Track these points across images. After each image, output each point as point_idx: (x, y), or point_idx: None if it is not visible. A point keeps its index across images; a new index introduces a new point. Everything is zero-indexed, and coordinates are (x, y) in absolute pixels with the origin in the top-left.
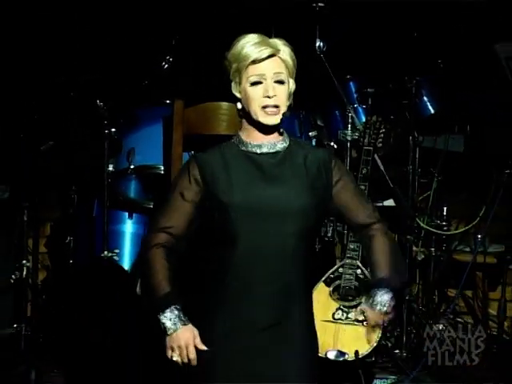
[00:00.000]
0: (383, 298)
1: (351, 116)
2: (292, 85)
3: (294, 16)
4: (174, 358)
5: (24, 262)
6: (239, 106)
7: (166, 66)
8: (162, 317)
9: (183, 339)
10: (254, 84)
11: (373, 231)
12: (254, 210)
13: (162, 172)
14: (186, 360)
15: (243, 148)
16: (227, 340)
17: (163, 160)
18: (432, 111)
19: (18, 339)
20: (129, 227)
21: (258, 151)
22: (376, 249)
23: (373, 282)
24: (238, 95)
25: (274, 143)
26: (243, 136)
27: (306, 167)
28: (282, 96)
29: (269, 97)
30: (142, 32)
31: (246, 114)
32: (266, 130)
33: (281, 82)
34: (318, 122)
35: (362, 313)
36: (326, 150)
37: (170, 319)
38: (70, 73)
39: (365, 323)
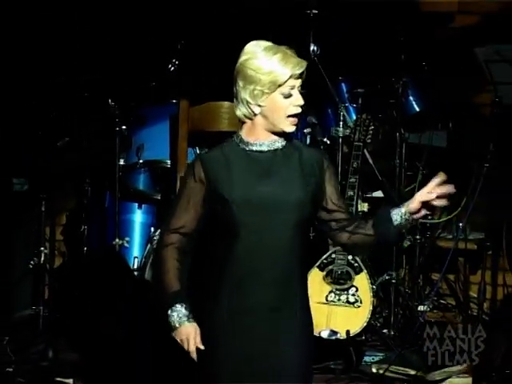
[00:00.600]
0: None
1: (343, 114)
2: None
3: (290, 22)
4: (185, 345)
5: (42, 248)
6: (257, 110)
7: (172, 68)
8: (170, 312)
9: (185, 334)
10: (287, 97)
11: (362, 222)
12: (253, 204)
13: (169, 166)
14: (186, 351)
15: (243, 146)
16: (231, 321)
17: (170, 155)
18: (417, 109)
19: (36, 320)
20: (138, 217)
21: (258, 149)
22: (363, 222)
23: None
24: (258, 102)
25: (272, 142)
26: (244, 135)
27: (301, 165)
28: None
29: (299, 107)
30: (151, 38)
31: (260, 119)
32: (269, 133)
33: (301, 94)
34: (313, 120)
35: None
36: (320, 151)
37: (177, 315)
38: (84, 74)
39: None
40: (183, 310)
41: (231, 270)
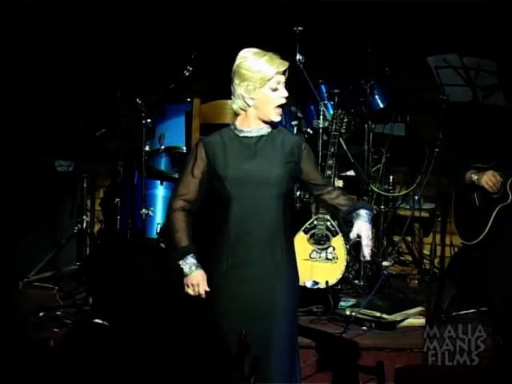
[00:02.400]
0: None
1: (322, 110)
2: None
3: (281, 37)
4: (190, 292)
5: (84, 217)
6: (250, 103)
7: (187, 73)
8: (181, 263)
9: (195, 280)
10: (274, 90)
11: (328, 188)
12: (243, 180)
13: (185, 151)
14: (197, 293)
15: (237, 133)
16: (231, 271)
17: (185, 142)
18: (381, 106)
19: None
20: (160, 191)
21: (248, 135)
22: (334, 196)
23: (346, 212)
24: (252, 96)
25: (260, 129)
26: (238, 124)
27: (283, 147)
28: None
29: (283, 98)
30: (171, 50)
31: (253, 110)
32: (260, 122)
33: (286, 89)
34: (298, 114)
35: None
36: (300, 136)
37: (188, 265)
38: (117, 78)
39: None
40: (193, 260)
41: (228, 231)
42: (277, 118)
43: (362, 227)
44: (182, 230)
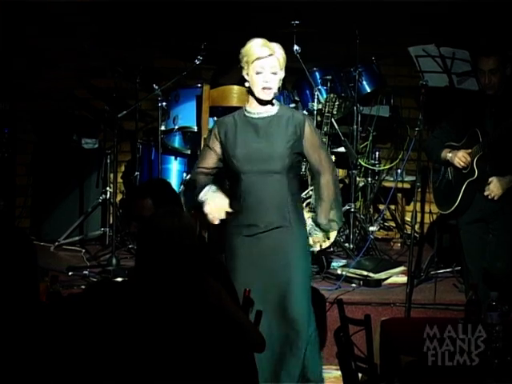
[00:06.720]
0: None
1: (317, 94)
2: (282, 74)
3: (280, 29)
4: (209, 217)
5: (107, 188)
6: (247, 85)
7: (198, 62)
8: (200, 197)
9: (213, 205)
10: (257, 73)
11: (319, 179)
12: (250, 157)
13: (196, 130)
14: (214, 217)
15: (247, 114)
16: (246, 232)
17: (196, 122)
18: (368, 90)
19: (104, 238)
20: (175, 166)
21: (256, 116)
22: (323, 194)
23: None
24: (247, 78)
25: (266, 111)
26: (247, 107)
27: (287, 126)
28: (273, 83)
29: (266, 82)
30: (182, 41)
31: (251, 92)
32: (262, 102)
33: (274, 73)
34: (296, 98)
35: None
36: (305, 115)
37: (205, 194)
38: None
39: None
40: (207, 188)
41: (242, 199)
42: (265, 97)
43: (314, 243)
44: (199, 186)
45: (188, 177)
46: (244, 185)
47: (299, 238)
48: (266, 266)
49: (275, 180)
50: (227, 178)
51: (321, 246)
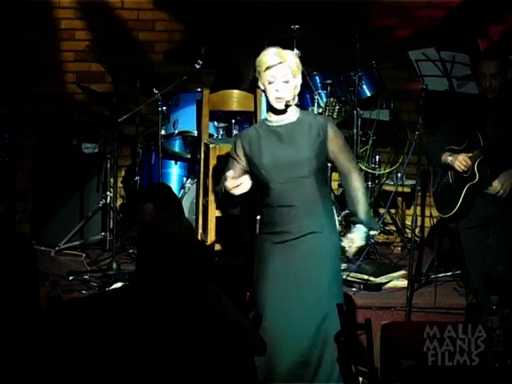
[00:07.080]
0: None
1: (317, 98)
2: (296, 81)
3: (281, 33)
4: (232, 190)
5: (108, 193)
6: (263, 94)
7: (198, 67)
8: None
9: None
10: (270, 83)
11: (351, 179)
12: (277, 165)
13: (196, 135)
14: (230, 188)
15: (268, 124)
16: (277, 240)
17: (196, 127)
18: (368, 94)
19: (104, 243)
20: (175, 170)
21: (277, 124)
22: (357, 193)
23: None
24: (262, 88)
25: (287, 118)
26: (268, 116)
27: (310, 130)
28: (285, 91)
29: (277, 91)
30: (183, 46)
31: (267, 101)
32: (279, 111)
33: (286, 82)
34: (296, 102)
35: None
36: (326, 118)
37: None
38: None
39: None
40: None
41: (271, 207)
42: (278, 106)
43: (353, 242)
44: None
45: (187, 189)
46: (274, 193)
47: (331, 242)
48: (299, 272)
49: (304, 185)
50: (256, 190)
51: (356, 246)
